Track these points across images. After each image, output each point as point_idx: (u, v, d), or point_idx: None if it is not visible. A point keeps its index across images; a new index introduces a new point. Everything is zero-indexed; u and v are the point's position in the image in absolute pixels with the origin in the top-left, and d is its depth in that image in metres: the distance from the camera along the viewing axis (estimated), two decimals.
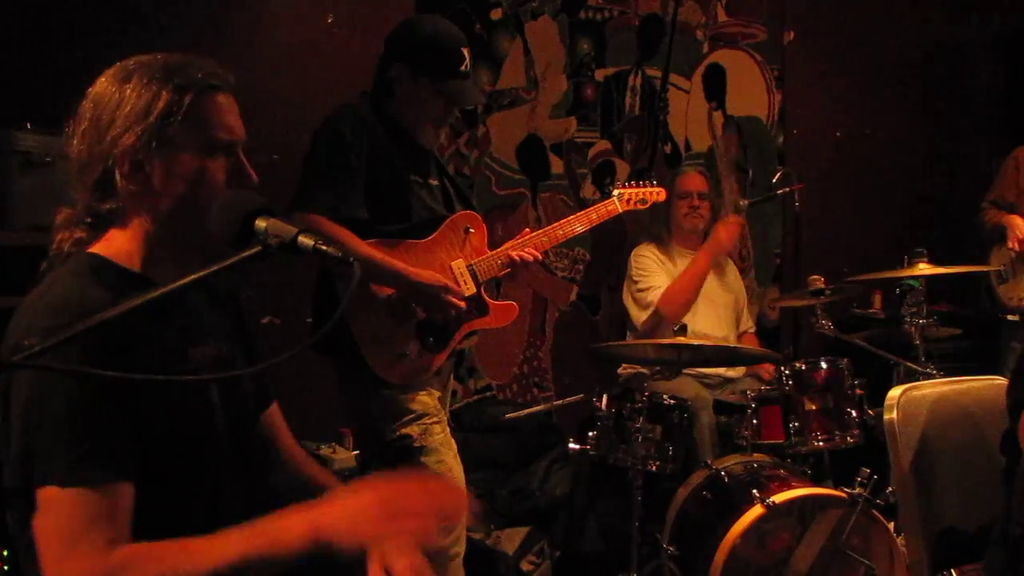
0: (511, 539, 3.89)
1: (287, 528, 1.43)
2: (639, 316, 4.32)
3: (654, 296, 4.23)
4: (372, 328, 2.84)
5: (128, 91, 1.54)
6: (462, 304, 2.90)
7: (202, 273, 1.38)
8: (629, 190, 3.40)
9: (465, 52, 2.90)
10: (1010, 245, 4.49)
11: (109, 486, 1.42)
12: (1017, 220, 4.52)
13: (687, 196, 4.41)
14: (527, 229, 3.18)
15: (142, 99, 1.53)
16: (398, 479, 1.53)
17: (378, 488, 1.50)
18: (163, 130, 1.53)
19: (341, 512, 1.46)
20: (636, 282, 4.35)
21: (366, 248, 2.76)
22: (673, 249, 4.43)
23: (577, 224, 3.21)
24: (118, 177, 1.53)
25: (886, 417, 2.28)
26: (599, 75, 4.94)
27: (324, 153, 2.81)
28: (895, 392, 2.30)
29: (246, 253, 1.41)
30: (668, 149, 5.15)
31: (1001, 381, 2.33)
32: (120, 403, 1.45)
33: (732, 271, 4.61)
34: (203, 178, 1.57)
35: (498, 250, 3.05)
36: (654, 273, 4.33)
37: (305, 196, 2.75)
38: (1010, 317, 4.63)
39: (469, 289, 2.97)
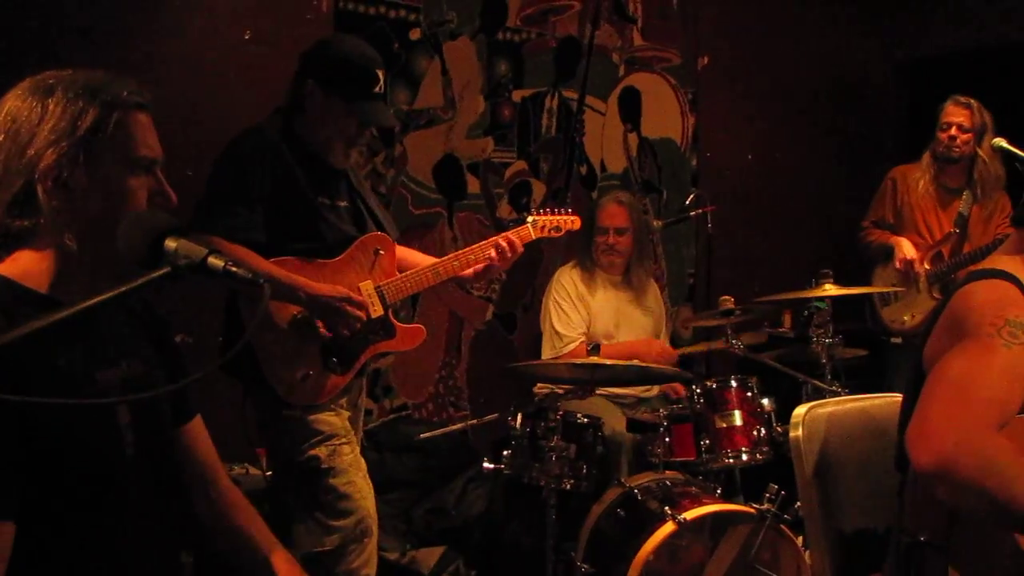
0: (426, 559, 3.88)
1: None
2: (547, 352, 4.39)
3: (568, 348, 4.29)
4: (274, 349, 2.82)
5: (51, 106, 1.52)
6: (362, 314, 2.89)
7: (105, 296, 1.36)
8: (544, 217, 3.39)
9: (379, 73, 2.90)
10: (899, 265, 4.54)
11: None
12: (903, 241, 4.59)
13: (604, 232, 4.41)
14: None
15: (67, 114, 1.51)
16: None
17: None
18: (89, 146, 1.52)
19: None
20: (556, 317, 4.37)
21: (266, 265, 2.74)
22: (596, 276, 4.45)
23: (490, 250, 3.16)
24: (41, 193, 1.51)
25: (791, 434, 2.32)
26: (516, 96, 4.98)
27: (224, 176, 2.80)
28: (800, 410, 2.35)
29: (154, 274, 1.40)
30: (584, 170, 5.21)
31: (900, 398, 2.41)
32: (2, 435, 1.41)
33: (653, 293, 4.65)
34: (126, 195, 1.56)
35: (407, 272, 3.06)
36: (570, 312, 4.36)
37: (201, 218, 2.73)
38: (893, 339, 4.69)
39: (376, 311, 2.95)
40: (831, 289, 3.74)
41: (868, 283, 4.72)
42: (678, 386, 4.37)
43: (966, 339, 1.77)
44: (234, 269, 1.43)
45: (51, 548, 1.49)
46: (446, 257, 3.14)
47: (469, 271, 3.14)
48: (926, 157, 4.61)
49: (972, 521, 1.78)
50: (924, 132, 4.68)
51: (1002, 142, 4.20)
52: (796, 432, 2.32)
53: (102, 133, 1.53)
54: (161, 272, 1.41)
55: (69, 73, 1.57)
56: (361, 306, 2.89)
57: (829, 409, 2.39)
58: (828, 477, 2.30)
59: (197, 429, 1.86)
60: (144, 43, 3.98)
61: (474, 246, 3.18)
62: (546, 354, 4.38)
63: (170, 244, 1.44)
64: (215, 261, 1.43)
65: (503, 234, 3.21)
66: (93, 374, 1.57)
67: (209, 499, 1.84)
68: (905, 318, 4.58)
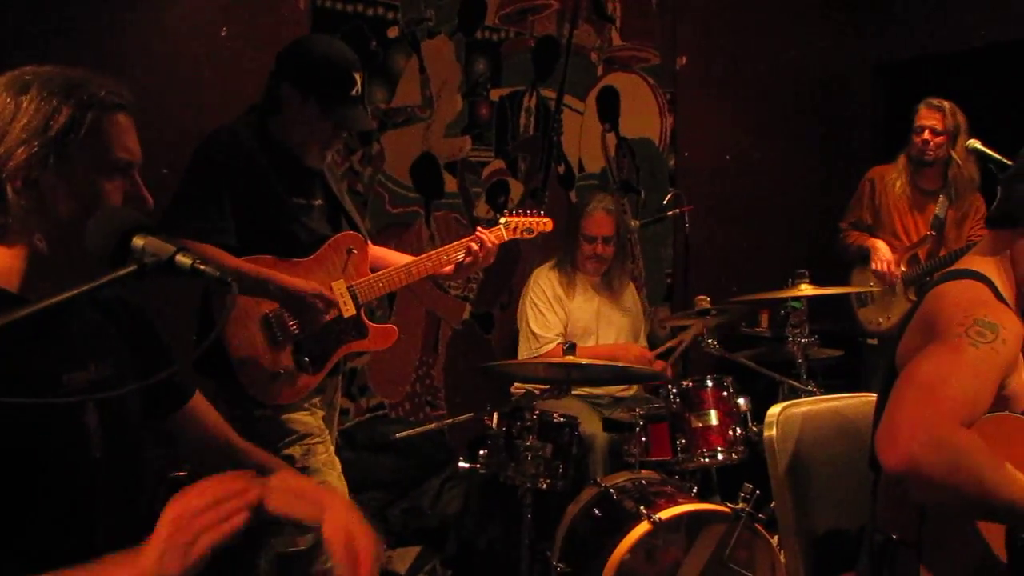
0: (403, 559, 3.88)
1: None
2: (523, 352, 4.40)
3: (544, 349, 4.30)
4: (247, 348, 2.81)
5: (25, 103, 1.48)
6: (331, 312, 2.89)
7: (67, 295, 1.33)
8: (516, 219, 3.41)
9: (357, 77, 2.86)
10: (875, 267, 4.55)
11: None
12: (880, 244, 4.59)
13: (592, 241, 4.42)
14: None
15: (40, 113, 1.48)
16: (185, 490, 1.39)
17: (169, 508, 1.36)
18: (61, 147, 1.48)
19: (153, 552, 1.33)
20: (533, 318, 4.38)
21: (236, 262, 2.73)
22: (575, 280, 4.46)
23: (460, 251, 3.19)
24: (10, 192, 1.48)
25: (766, 434, 2.33)
26: (494, 95, 4.98)
27: (196, 177, 2.78)
28: (774, 410, 2.36)
29: (120, 272, 1.37)
30: (561, 170, 5.21)
31: (874, 398, 2.42)
32: None
33: (630, 293, 4.66)
34: (99, 198, 1.52)
35: (379, 272, 3.06)
36: (547, 313, 4.37)
37: (172, 219, 2.71)
38: (870, 341, 4.70)
39: (349, 310, 2.94)
40: (807, 289, 3.76)
41: (845, 284, 4.73)
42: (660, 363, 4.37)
43: (936, 340, 1.78)
44: (202, 267, 1.41)
45: (16, 552, 1.47)
46: (419, 257, 3.14)
47: (443, 270, 3.16)
48: (901, 159, 4.62)
49: (943, 519, 1.79)
50: (901, 134, 4.70)
51: (976, 144, 4.23)
52: (770, 432, 2.33)
53: (75, 134, 1.49)
54: (127, 270, 1.38)
55: (47, 69, 1.54)
56: (331, 304, 2.88)
57: (803, 409, 2.40)
58: (802, 476, 2.31)
59: (198, 401, 1.85)
60: (120, 39, 3.95)
61: (447, 246, 3.19)
62: (522, 354, 4.38)
63: (137, 242, 1.41)
64: (183, 259, 1.40)
65: (475, 235, 3.21)
66: (60, 376, 1.54)
67: (228, 458, 1.82)
68: (881, 320, 4.60)
